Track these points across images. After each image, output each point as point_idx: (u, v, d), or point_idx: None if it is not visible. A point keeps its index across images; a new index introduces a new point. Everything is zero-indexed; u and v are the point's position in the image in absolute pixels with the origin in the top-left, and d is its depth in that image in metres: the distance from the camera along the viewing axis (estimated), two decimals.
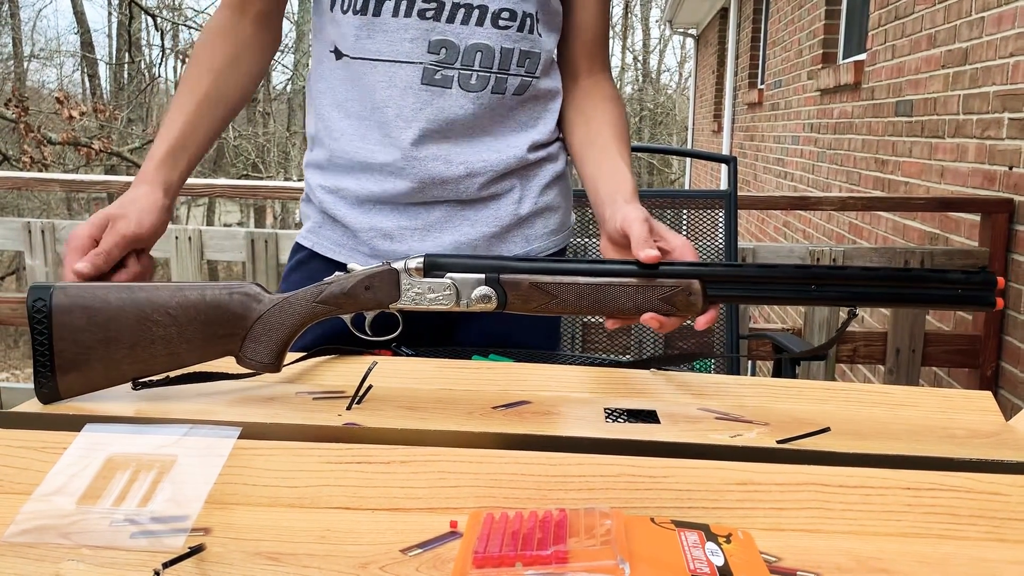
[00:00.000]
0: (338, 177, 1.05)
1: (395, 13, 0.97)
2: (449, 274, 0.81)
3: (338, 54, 1.02)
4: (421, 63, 0.98)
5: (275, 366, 0.82)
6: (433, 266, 0.81)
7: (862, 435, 0.76)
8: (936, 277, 0.78)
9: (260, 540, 0.58)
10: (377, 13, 0.97)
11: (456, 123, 1.00)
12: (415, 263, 0.81)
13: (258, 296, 0.81)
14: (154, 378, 0.81)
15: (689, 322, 0.82)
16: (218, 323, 0.80)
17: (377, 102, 1.00)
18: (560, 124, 1.11)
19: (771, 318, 5.30)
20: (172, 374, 0.81)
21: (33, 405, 0.79)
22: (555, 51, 1.08)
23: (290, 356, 0.89)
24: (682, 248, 0.84)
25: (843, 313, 0.80)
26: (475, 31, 0.98)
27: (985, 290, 0.77)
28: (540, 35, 1.03)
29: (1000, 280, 0.77)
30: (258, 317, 0.80)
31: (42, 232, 2.78)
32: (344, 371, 0.90)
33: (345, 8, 0.99)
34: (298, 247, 1.13)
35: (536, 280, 0.80)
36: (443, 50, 0.98)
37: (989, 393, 0.87)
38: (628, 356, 2.21)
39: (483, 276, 0.81)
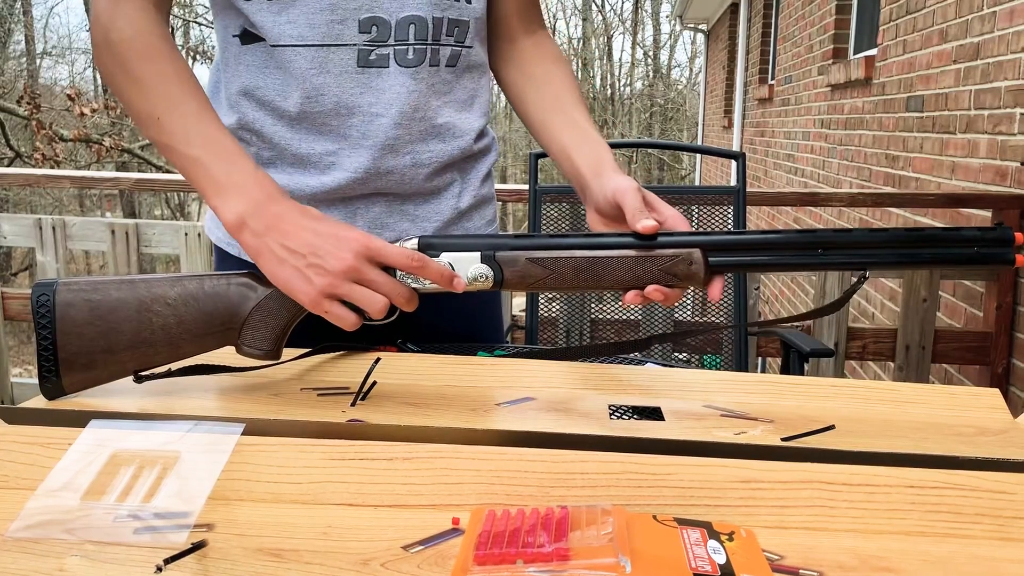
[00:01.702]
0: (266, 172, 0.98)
1: None
2: (444, 254, 0.80)
3: (247, 38, 0.95)
4: (355, 44, 0.93)
5: (275, 353, 0.82)
6: (428, 247, 0.80)
7: (867, 433, 0.76)
8: (949, 236, 0.75)
9: (262, 536, 0.58)
10: None
11: (399, 105, 0.96)
12: (410, 245, 0.80)
13: (255, 284, 0.81)
14: (156, 370, 0.81)
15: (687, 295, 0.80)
16: (217, 312, 0.80)
17: (310, 90, 0.94)
18: (506, 89, 1.07)
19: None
20: (174, 367, 0.81)
21: (39, 401, 0.79)
22: (484, 18, 1.02)
23: (294, 352, 0.89)
24: (674, 218, 0.83)
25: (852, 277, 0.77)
26: (405, 4, 0.94)
27: (1003, 246, 0.74)
28: (470, 1, 0.99)
29: (1019, 236, 0.73)
30: (256, 305, 0.80)
31: (53, 228, 2.79)
32: (348, 368, 0.90)
33: None
34: (223, 255, 1.05)
35: (532, 255, 0.79)
36: (374, 28, 0.93)
37: (997, 390, 0.87)
38: (636, 353, 2.20)
39: (479, 255, 0.80)
